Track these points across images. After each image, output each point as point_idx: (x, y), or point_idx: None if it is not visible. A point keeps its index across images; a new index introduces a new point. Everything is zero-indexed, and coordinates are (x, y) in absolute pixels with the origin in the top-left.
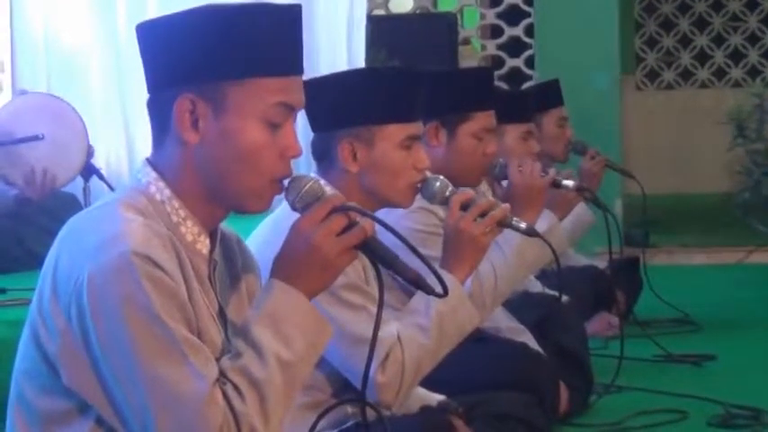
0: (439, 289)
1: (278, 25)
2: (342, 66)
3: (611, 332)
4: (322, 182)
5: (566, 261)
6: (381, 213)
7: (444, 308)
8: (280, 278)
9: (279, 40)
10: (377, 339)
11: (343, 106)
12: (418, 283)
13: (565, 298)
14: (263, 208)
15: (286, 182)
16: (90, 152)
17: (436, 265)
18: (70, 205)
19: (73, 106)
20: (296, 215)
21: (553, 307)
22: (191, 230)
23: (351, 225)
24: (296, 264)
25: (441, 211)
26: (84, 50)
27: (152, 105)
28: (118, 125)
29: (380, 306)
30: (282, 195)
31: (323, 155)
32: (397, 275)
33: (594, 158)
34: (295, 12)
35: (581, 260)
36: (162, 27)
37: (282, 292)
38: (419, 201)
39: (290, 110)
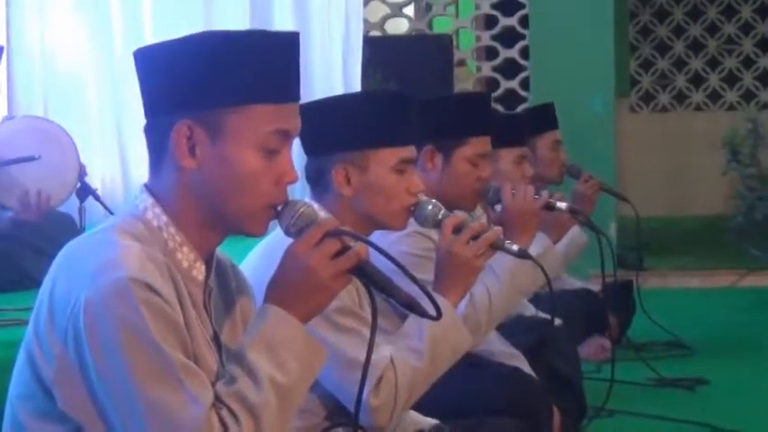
0: (432, 312)
1: (275, 53)
2: (338, 88)
3: (603, 356)
4: (316, 206)
5: (559, 284)
6: (375, 237)
7: (437, 331)
8: (274, 303)
9: (276, 68)
10: (370, 362)
11: (337, 131)
12: (411, 306)
13: (558, 321)
14: (261, 231)
15: (280, 207)
16: (82, 170)
17: (430, 289)
18: (66, 226)
19: (59, 124)
20: (289, 240)
21: (546, 330)
22: (187, 257)
23: (344, 249)
24: (290, 288)
25: (435, 235)
26: (80, 72)
27: (149, 131)
28: (113, 147)
29: (374, 329)
30: (276, 220)
31: (317, 179)
32: (391, 299)
33: (588, 182)
34: (293, 39)
35: (574, 283)
36: (160, 53)
37: (277, 317)
38: (413, 225)
39: (287, 136)
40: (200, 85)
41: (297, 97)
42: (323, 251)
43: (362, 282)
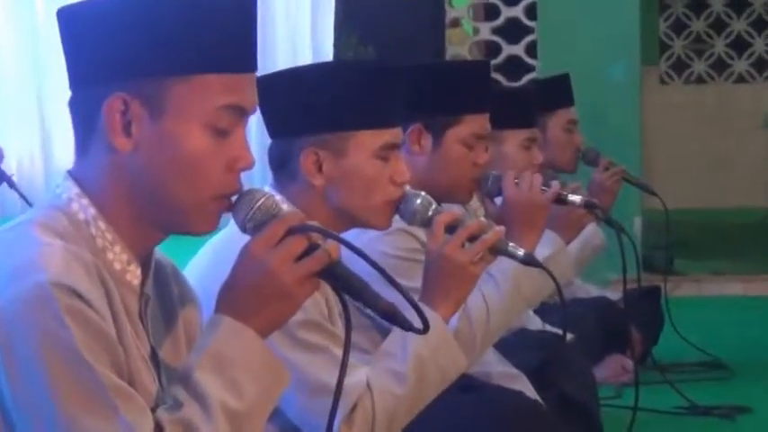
0: (418, 324)
1: (227, 13)
2: (305, 57)
3: (625, 378)
4: (278, 197)
5: (572, 292)
6: (351, 235)
7: (424, 350)
8: (227, 313)
9: (228, 30)
10: (342, 387)
11: (306, 108)
12: (393, 317)
13: (570, 337)
14: (208, 228)
15: (234, 198)
16: None
17: (416, 298)
18: None
19: None
20: (245, 238)
21: (555, 348)
22: (119, 258)
23: (312, 248)
24: (246, 295)
25: (423, 234)
26: None
27: (75, 105)
28: (33, 124)
29: (347, 346)
30: (230, 214)
31: (281, 165)
32: (367, 308)
33: (608, 170)
34: None
35: (590, 291)
36: (89, 12)
37: (230, 330)
38: (397, 221)
39: (241, 113)
40: (137, 50)
41: (253, 66)
42: (285, 251)
43: (333, 287)
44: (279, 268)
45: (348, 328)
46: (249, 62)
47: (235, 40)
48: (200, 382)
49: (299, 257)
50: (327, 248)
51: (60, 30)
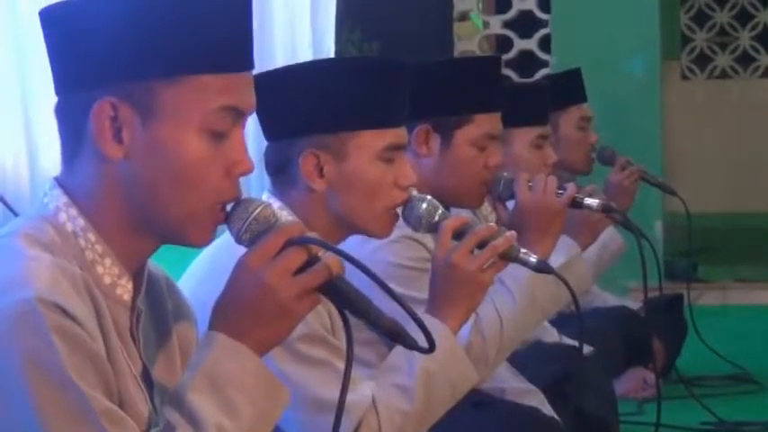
0: (423, 342)
1: (220, 9)
2: (305, 53)
3: (646, 392)
4: (276, 205)
5: (589, 301)
6: (353, 244)
7: (432, 364)
8: (221, 330)
9: (222, 28)
10: (345, 404)
11: (305, 108)
12: (396, 335)
13: (588, 349)
14: (205, 240)
15: (229, 206)
16: None
17: (423, 311)
18: None
19: None
20: (241, 249)
21: (573, 361)
22: (109, 271)
23: (311, 261)
24: (242, 311)
25: (430, 242)
26: None
27: (61, 112)
28: (17, 127)
29: (349, 361)
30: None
31: (279, 169)
32: (370, 325)
33: (626, 170)
34: None
35: (608, 300)
36: (72, 12)
37: (225, 349)
38: (402, 228)
39: (238, 115)
40: (125, 51)
41: (250, 65)
42: (283, 264)
43: (335, 304)
44: (276, 282)
45: (349, 341)
46: (245, 60)
47: (229, 38)
48: (194, 404)
49: (298, 271)
50: (328, 262)
51: (43, 30)
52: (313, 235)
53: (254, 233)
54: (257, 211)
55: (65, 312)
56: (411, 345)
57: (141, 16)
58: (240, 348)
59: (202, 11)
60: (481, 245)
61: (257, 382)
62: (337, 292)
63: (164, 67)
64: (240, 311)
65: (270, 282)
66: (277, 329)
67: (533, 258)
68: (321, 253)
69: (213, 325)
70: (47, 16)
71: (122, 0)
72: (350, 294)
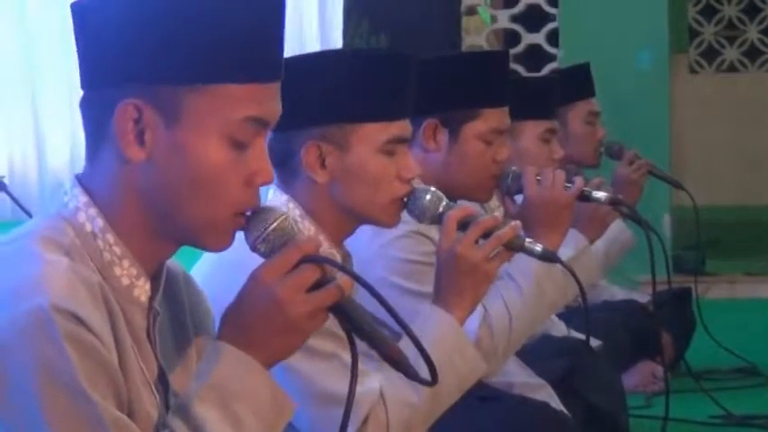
0: (426, 374)
1: (253, 17)
2: (311, 44)
3: (655, 386)
4: (283, 198)
5: (597, 295)
6: (363, 241)
7: (440, 355)
8: (230, 341)
9: (253, 37)
10: (354, 396)
11: (308, 99)
12: (398, 364)
13: (596, 343)
14: (223, 246)
15: (248, 213)
16: None
17: (429, 304)
18: None
19: None
20: (256, 257)
21: (581, 355)
22: (127, 272)
23: (325, 280)
24: (252, 324)
25: (436, 235)
26: None
27: (86, 107)
28: (26, 123)
29: (354, 375)
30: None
31: (283, 160)
32: (374, 349)
33: (634, 163)
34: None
35: (617, 293)
36: (103, 7)
37: (233, 361)
38: (409, 222)
39: (262, 125)
40: (153, 54)
41: (279, 75)
42: (297, 281)
43: (342, 324)
44: (289, 298)
45: (354, 361)
46: (274, 71)
47: (260, 48)
48: (200, 414)
49: (311, 289)
50: (340, 283)
51: (74, 23)
52: (327, 255)
53: (271, 245)
54: (276, 223)
55: (79, 320)
56: (412, 375)
57: (172, 21)
58: (248, 361)
59: (234, 19)
60: (486, 235)
61: (265, 397)
62: (347, 314)
63: (190, 73)
64: (251, 324)
65: (282, 297)
66: (285, 344)
67: (539, 247)
68: (334, 273)
69: (222, 335)
70: (79, 8)
71: (152, 1)
72: (358, 317)
